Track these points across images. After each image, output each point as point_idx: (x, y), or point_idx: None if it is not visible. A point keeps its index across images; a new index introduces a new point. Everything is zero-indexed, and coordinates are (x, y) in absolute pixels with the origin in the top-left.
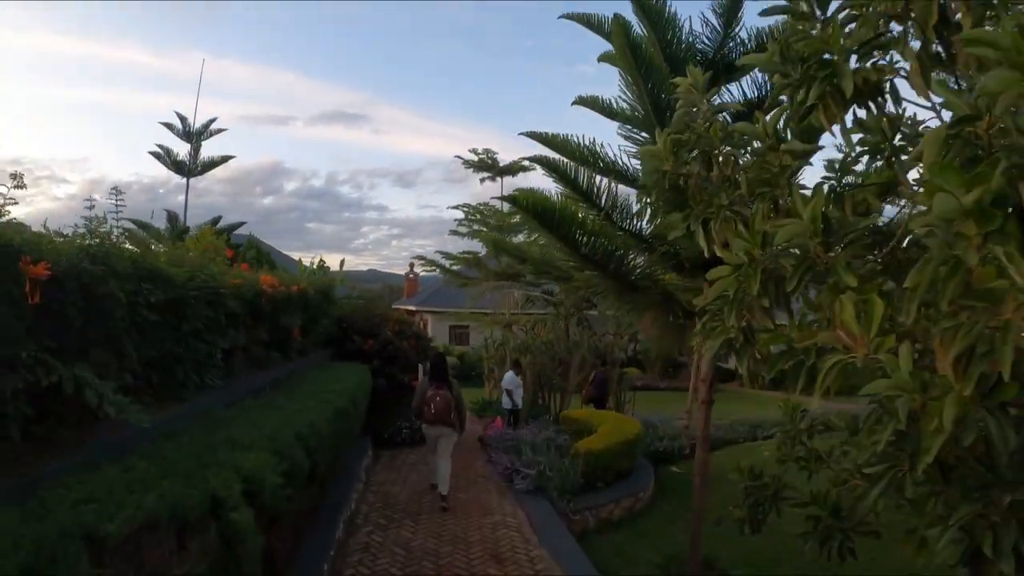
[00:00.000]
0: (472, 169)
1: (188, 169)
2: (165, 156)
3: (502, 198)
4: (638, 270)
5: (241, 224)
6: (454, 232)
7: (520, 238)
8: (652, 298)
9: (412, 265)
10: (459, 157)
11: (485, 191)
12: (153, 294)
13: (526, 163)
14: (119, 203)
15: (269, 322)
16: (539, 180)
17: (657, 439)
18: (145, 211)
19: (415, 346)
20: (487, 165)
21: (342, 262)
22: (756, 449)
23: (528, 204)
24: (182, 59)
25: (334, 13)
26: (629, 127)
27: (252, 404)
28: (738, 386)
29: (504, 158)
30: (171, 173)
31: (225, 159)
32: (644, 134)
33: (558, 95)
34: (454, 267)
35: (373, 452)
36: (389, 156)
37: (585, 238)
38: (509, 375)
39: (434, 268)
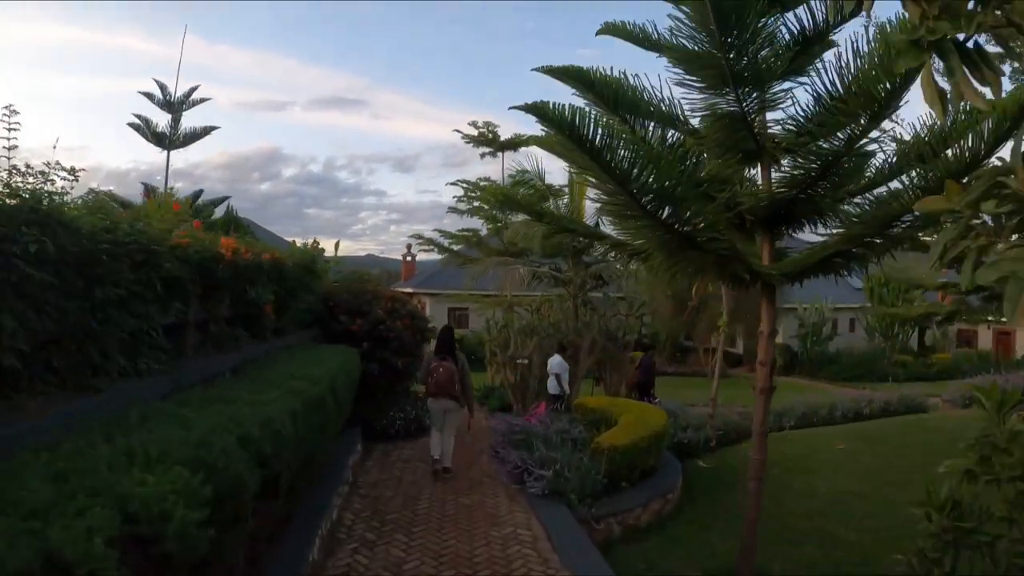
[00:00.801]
0: (472, 144)
1: (169, 141)
2: (144, 127)
3: (524, 107)
4: (700, 220)
5: (226, 199)
6: (452, 209)
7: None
8: (710, 257)
9: (409, 247)
10: (458, 131)
11: (486, 172)
12: (41, 244)
13: (536, 132)
14: (12, 127)
15: (232, 295)
16: (544, 158)
17: (680, 429)
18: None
19: (410, 326)
20: (487, 139)
21: (337, 244)
22: (786, 440)
23: (557, 118)
24: (177, 44)
25: None
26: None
27: (198, 396)
28: (748, 370)
29: (506, 131)
30: (171, 158)
31: (208, 130)
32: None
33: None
34: (453, 246)
35: (363, 446)
36: (388, 141)
37: (635, 168)
38: (557, 359)
39: (432, 247)
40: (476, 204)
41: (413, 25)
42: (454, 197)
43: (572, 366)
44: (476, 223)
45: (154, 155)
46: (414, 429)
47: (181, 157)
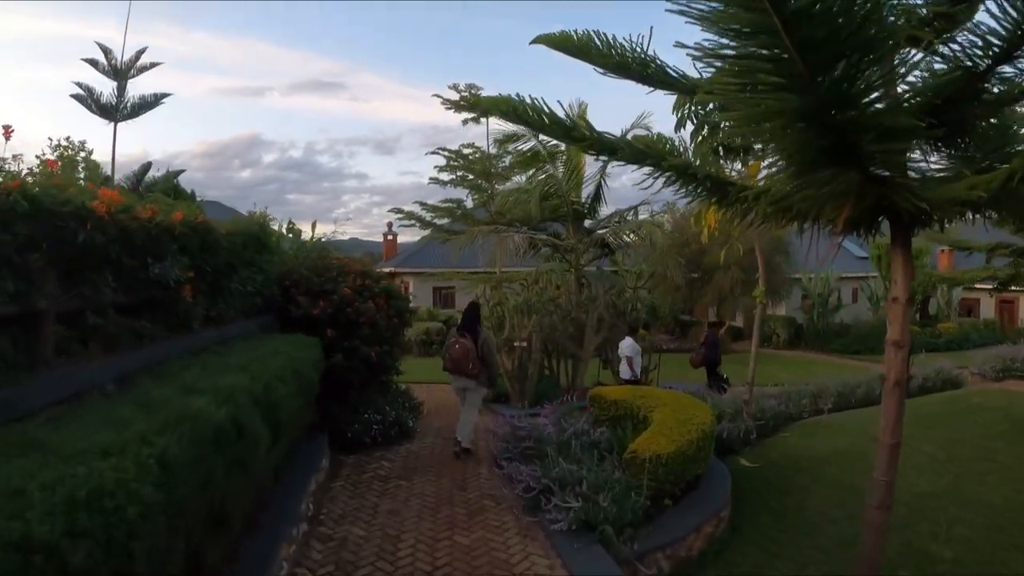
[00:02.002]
0: (453, 110)
1: (115, 110)
2: (87, 97)
3: None
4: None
5: (180, 172)
6: (434, 180)
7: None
8: (855, 177)
9: (390, 225)
10: (438, 96)
11: (469, 144)
12: None
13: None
14: None
15: (120, 271)
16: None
17: None
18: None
19: (386, 308)
20: (469, 105)
21: (313, 224)
22: (830, 427)
23: None
24: (154, 32)
25: None
26: None
27: (18, 431)
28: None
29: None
30: (150, 149)
31: (159, 98)
32: None
33: (542, 60)
34: (436, 220)
35: (331, 459)
36: (367, 124)
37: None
38: (628, 341)
39: (413, 222)
40: (459, 174)
41: (391, 5)
42: (436, 167)
43: (575, 348)
44: (460, 194)
45: (147, 144)
46: (395, 434)
47: (159, 147)
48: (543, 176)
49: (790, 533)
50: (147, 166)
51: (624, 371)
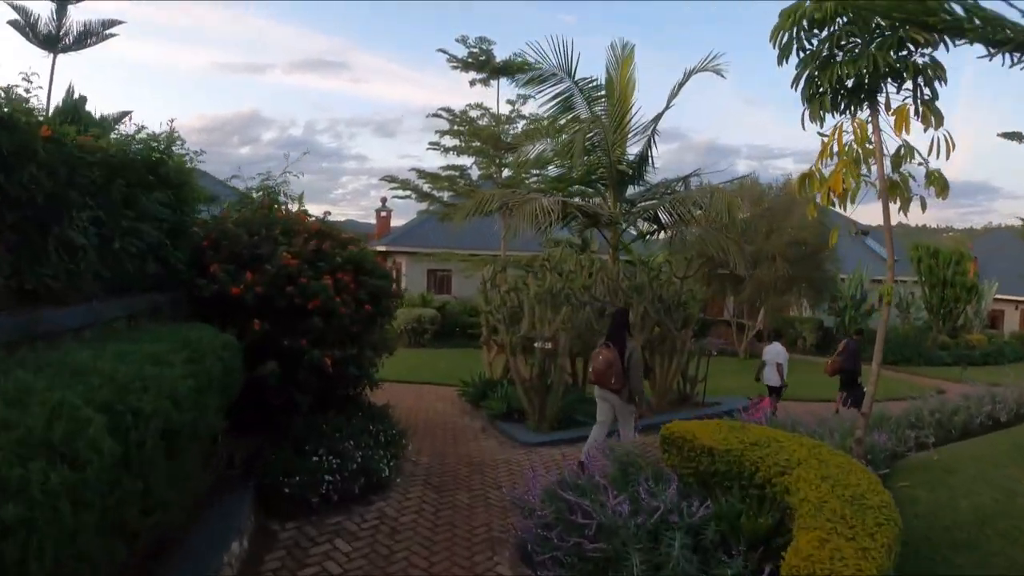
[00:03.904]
0: (459, 68)
1: (54, 39)
2: (24, 23)
3: None
4: None
5: (127, 113)
6: (433, 145)
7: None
8: None
9: (384, 200)
10: (443, 51)
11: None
12: None
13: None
14: None
15: None
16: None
17: None
18: None
19: (353, 287)
20: (479, 62)
21: (301, 196)
22: (945, 470)
23: None
24: (155, 6)
25: None
26: None
27: None
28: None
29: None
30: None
31: (109, 25)
32: None
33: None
34: (435, 192)
35: (254, 535)
36: (369, 105)
37: None
38: (777, 347)
39: (408, 193)
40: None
41: None
42: (436, 132)
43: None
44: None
45: (145, 117)
46: (361, 487)
47: (155, 121)
48: (587, 120)
49: None
50: (82, 99)
51: (772, 377)
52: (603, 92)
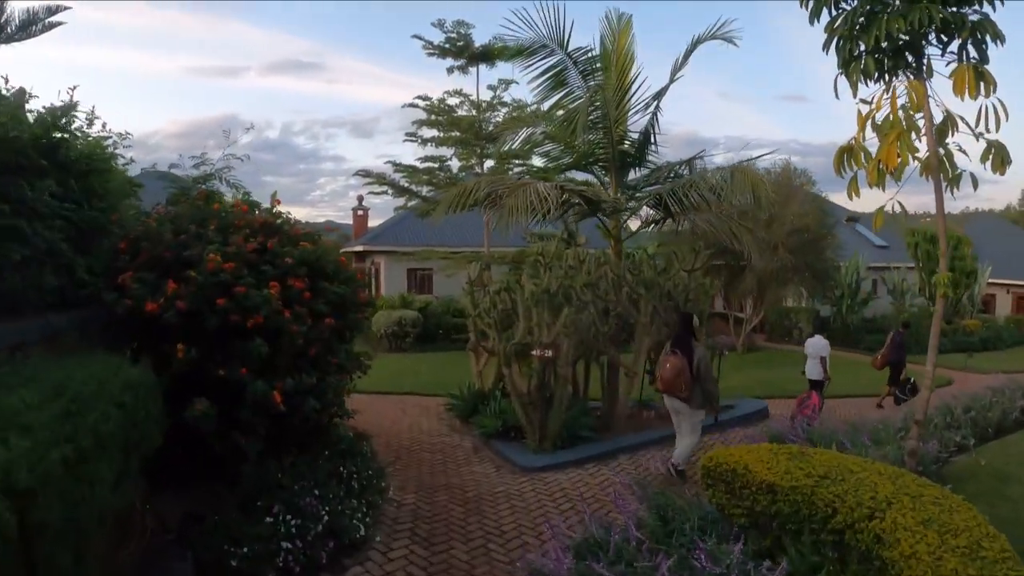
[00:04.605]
0: (436, 55)
1: None
2: None
3: None
4: None
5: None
6: (410, 137)
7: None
8: None
9: (360, 199)
10: (419, 37)
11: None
12: None
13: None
14: None
15: None
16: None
17: None
18: None
19: (307, 297)
20: (457, 48)
21: (274, 194)
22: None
23: None
24: (126, 10)
25: None
26: None
27: None
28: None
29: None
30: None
31: (54, 11)
32: None
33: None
34: (414, 187)
35: None
36: (345, 106)
37: None
38: (820, 340)
39: (385, 188)
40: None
41: None
42: (413, 122)
43: (613, 353)
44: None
45: (125, 123)
46: (330, 552)
47: (133, 127)
48: (591, 87)
49: None
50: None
51: (816, 371)
52: (599, 65)
